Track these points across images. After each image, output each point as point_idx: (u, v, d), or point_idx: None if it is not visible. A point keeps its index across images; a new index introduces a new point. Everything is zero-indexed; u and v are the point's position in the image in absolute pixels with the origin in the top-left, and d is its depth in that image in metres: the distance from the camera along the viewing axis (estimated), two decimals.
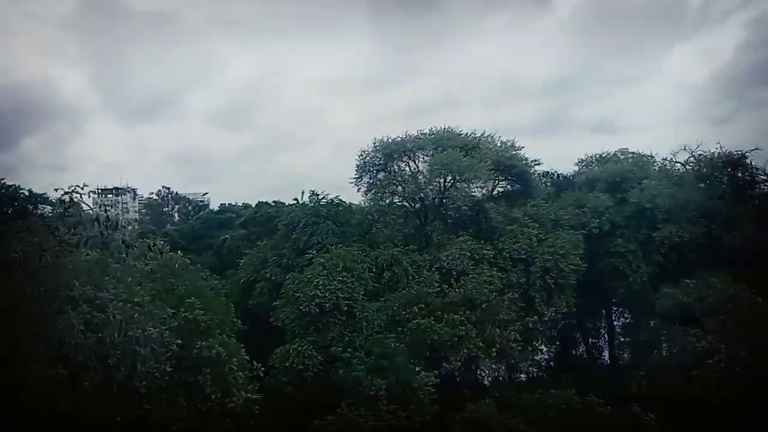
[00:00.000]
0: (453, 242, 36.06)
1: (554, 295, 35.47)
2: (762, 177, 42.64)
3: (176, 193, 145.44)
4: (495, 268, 34.86)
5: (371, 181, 40.43)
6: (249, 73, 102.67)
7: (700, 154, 39.23)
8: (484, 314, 30.36)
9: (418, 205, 39.14)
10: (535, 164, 42.32)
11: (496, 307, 30.75)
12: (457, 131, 42.32)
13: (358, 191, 41.12)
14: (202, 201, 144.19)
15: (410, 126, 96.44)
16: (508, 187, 43.40)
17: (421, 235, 38.01)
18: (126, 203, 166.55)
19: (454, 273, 34.23)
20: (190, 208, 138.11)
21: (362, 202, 40.50)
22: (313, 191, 42.02)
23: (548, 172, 47.58)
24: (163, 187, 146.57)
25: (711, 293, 28.54)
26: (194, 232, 70.42)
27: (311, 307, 31.31)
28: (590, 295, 37.84)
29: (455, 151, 40.14)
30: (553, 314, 35.52)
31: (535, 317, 32.01)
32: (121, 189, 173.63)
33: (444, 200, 38.24)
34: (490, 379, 31.56)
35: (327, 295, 31.19)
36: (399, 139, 40.78)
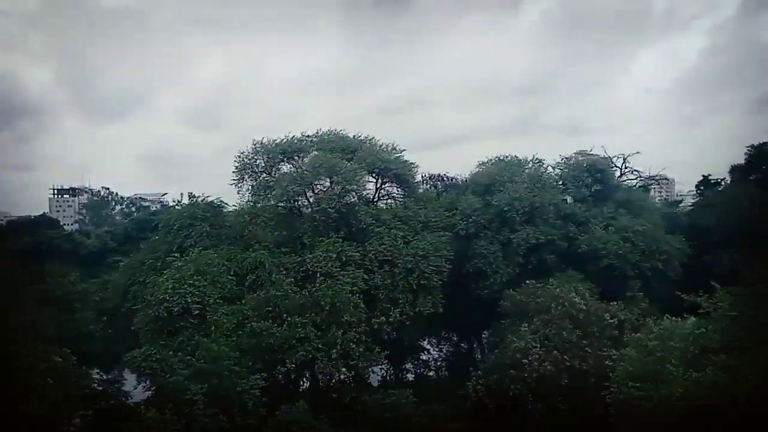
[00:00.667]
0: (322, 244, 36.48)
1: (420, 296, 36.26)
2: (631, 179, 44.76)
3: (116, 193, 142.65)
4: (361, 270, 35.59)
5: (253, 183, 40.80)
6: (222, 72, 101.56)
7: (566, 158, 40.49)
8: (330, 316, 30.74)
9: (292, 207, 39.58)
10: (415, 167, 43.17)
11: (343, 310, 31.11)
12: (342, 134, 43.13)
13: (237, 193, 41.58)
14: (161, 201, 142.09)
15: (384, 126, 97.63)
16: (393, 190, 44.10)
17: (294, 237, 38.30)
18: (72, 205, 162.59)
19: (319, 275, 34.76)
20: (133, 209, 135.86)
21: (239, 204, 40.75)
22: (191, 193, 42.02)
23: (436, 175, 48.65)
24: (102, 187, 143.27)
25: (543, 294, 29.53)
26: (126, 233, 69.97)
27: (160, 311, 31.36)
28: (458, 296, 38.72)
29: (335, 153, 40.84)
30: (414, 314, 36.02)
31: (383, 318, 32.50)
32: (78, 189, 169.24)
33: (318, 202, 38.64)
34: (336, 381, 31.94)
35: (176, 299, 31.26)
36: (280, 141, 41.29)
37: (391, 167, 41.14)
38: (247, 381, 26.24)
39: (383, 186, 42.92)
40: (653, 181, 49.97)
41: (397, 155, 42.27)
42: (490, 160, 43.48)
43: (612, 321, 27.91)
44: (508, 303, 31.35)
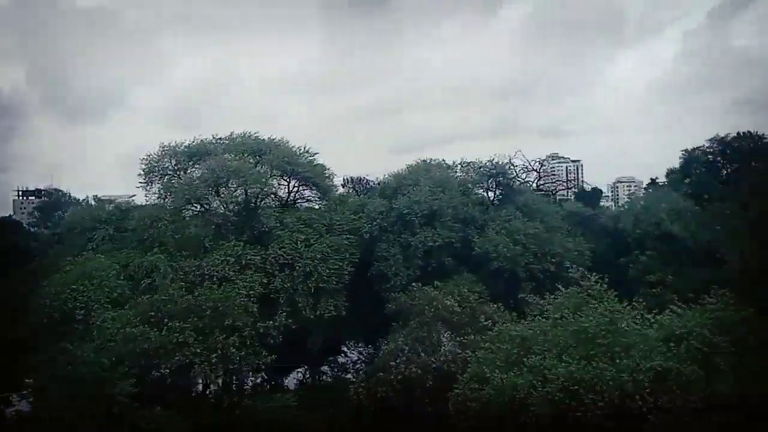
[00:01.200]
0: (222, 248, 36.40)
1: (322, 299, 36.41)
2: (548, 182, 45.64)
3: (69, 194, 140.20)
4: (261, 274, 35.65)
5: (161, 186, 40.53)
6: (200, 72, 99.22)
7: (469, 162, 41.12)
8: (212, 321, 30.68)
9: (196, 210, 39.46)
10: (326, 170, 43.38)
11: (228, 314, 31.07)
12: (255, 136, 43.11)
13: (145, 196, 41.32)
14: (128, 203, 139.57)
15: (365, 127, 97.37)
16: (308, 193, 44.22)
17: (196, 240, 38.11)
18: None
19: (215, 279, 34.70)
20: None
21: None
22: (96, 195, 41.67)
23: (356, 178, 48.94)
24: (55, 189, 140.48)
25: (421, 296, 29.93)
26: (60, 235, 68.87)
27: (43, 317, 31.01)
28: (364, 298, 38.95)
29: (245, 156, 40.82)
30: (315, 318, 36.15)
31: (269, 322, 32.56)
32: (44, 191, 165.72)
33: (221, 205, 38.58)
34: (219, 386, 31.90)
35: (56, 304, 30.93)
36: (189, 143, 41.12)
37: (299, 170, 41.30)
38: (114, 387, 26.04)
39: (297, 189, 43.12)
40: (575, 185, 51.31)
41: (310, 158, 42.56)
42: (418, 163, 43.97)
43: (486, 322, 28.34)
44: (393, 306, 31.66)
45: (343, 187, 48.78)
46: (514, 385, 18.31)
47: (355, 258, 37.81)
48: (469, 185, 39.86)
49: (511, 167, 41.92)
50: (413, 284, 32.67)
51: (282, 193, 42.57)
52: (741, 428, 17.40)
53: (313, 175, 42.03)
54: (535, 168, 51.22)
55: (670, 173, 53.80)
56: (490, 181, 39.66)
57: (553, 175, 51.38)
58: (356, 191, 48.35)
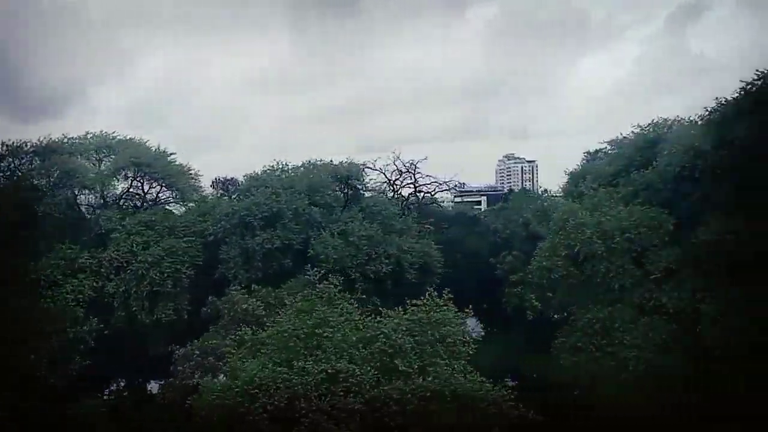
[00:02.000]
0: (57, 251, 35.53)
1: (159, 302, 35.90)
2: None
3: None
4: (94, 277, 34.96)
5: None
6: (163, 70, 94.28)
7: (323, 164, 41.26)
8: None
9: (32, 212, 38.30)
10: (189, 170, 42.76)
11: (41, 320, 30.30)
12: (105, 135, 42.17)
13: None
14: None
15: (332, 127, 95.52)
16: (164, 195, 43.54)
17: (28, 243, 36.99)
18: None
19: (43, 283, 33.85)
20: None
21: None
22: None
23: (223, 179, 48.42)
24: None
25: (227, 300, 29.90)
26: None
27: None
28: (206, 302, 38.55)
29: (91, 155, 39.89)
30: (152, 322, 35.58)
31: (79, 327, 31.92)
32: None
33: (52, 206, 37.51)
34: None
35: None
36: (34, 143, 39.87)
37: (150, 170, 40.56)
38: None
39: (148, 190, 42.37)
40: (446, 187, 52.13)
41: (169, 158, 41.95)
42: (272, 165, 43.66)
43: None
44: (208, 310, 31.51)
45: (213, 187, 48.38)
46: (213, 387, 18.62)
47: (198, 261, 37.53)
48: (321, 187, 39.81)
49: (364, 169, 42.19)
50: (253, 286, 32.60)
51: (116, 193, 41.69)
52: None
53: (166, 175, 41.42)
54: (410, 170, 51.77)
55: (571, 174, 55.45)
56: (333, 183, 39.69)
57: (429, 176, 51.54)
58: (226, 192, 47.84)
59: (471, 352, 20.38)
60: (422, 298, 22.12)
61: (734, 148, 24.39)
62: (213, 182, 49.17)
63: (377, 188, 50.16)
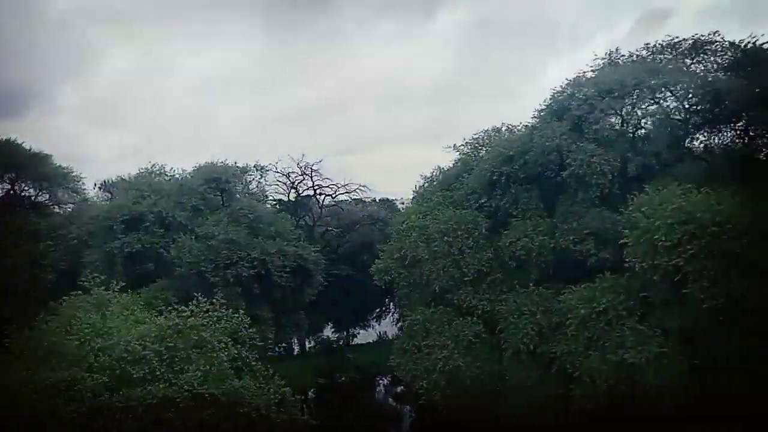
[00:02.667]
0: None
1: None
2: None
3: None
4: None
5: None
6: (129, 68, 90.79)
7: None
8: None
9: None
10: (71, 173, 42.45)
11: None
12: None
13: None
14: None
15: (303, 128, 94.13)
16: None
17: None
18: None
19: None
20: None
21: None
22: None
23: (108, 182, 48.05)
24: None
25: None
26: None
27: None
28: None
29: None
30: None
31: None
32: None
33: None
34: None
35: None
36: None
37: (19, 172, 40.11)
38: None
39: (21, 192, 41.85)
40: (344, 191, 52.52)
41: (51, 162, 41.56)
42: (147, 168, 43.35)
43: None
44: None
45: (101, 190, 47.96)
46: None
47: (62, 265, 37.17)
48: (190, 190, 39.69)
49: (237, 172, 42.22)
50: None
51: None
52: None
53: (40, 178, 40.98)
54: (306, 172, 52.00)
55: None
56: (202, 186, 39.63)
57: (328, 179, 51.87)
58: (112, 194, 47.46)
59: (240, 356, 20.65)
60: (192, 303, 22.20)
61: (536, 154, 25.07)
62: (95, 184, 49.25)
63: (258, 191, 50.76)
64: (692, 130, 23.49)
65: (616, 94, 23.31)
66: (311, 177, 53.05)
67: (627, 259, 20.35)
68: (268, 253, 38.23)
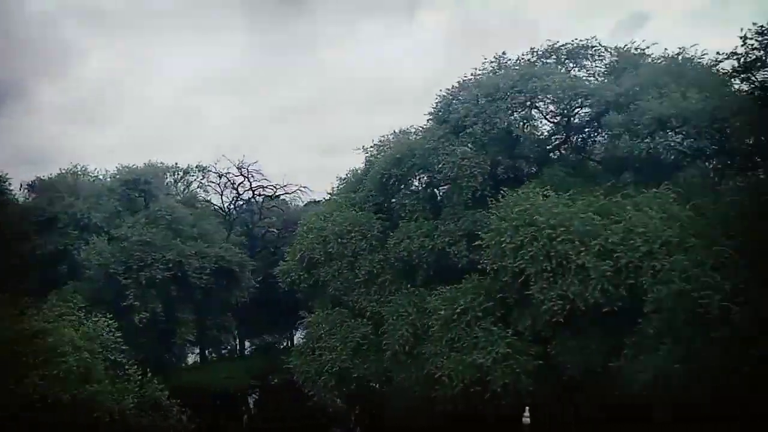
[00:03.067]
0: None
1: None
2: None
3: None
4: None
5: None
6: (112, 67, 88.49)
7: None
8: None
9: None
10: None
11: None
12: None
13: None
14: None
15: (287, 127, 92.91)
16: None
17: None
18: None
19: None
20: None
21: None
22: None
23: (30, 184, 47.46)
24: None
25: None
26: None
27: None
28: None
29: None
30: None
31: None
32: None
33: None
34: None
35: None
36: None
37: None
38: None
39: None
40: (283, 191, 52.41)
41: None
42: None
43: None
44: None
45: (28, 190, 47.32)
46: None
47: None
48: (109, 192, 39.43)
49: (160, 172, 42.04)
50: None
51: None
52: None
53: None
54: (243, 173, 51.85)
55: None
56: (122, 188, 39.41)
57: (266, 179, 51.77)
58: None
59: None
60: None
61: (418, 157, 25.31)
62: (21, 185, 48.49)
63: (198, 192, 50.57)
64: (564, 133, 23.89)
65: (491, 97, 23.58)
66: (248, 178, 53.32)
67: (481, 261, 20.64)
68: (185, 255, 38.08)
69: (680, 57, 23.65)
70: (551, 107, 23.61)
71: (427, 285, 24.46)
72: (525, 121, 22.80)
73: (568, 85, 22.19)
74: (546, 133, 23.82)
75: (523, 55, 26.35)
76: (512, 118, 22.58)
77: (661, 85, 20.68)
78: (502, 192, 21.62)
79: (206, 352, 50.65)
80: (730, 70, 25.40)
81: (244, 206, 54.61)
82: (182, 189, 53.51)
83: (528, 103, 23.14)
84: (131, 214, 39.75)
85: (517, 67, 25.43)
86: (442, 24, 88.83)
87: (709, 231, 16.96)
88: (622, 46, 25.34)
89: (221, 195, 51.56)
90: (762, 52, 25.31)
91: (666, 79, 21.10)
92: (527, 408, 20.79)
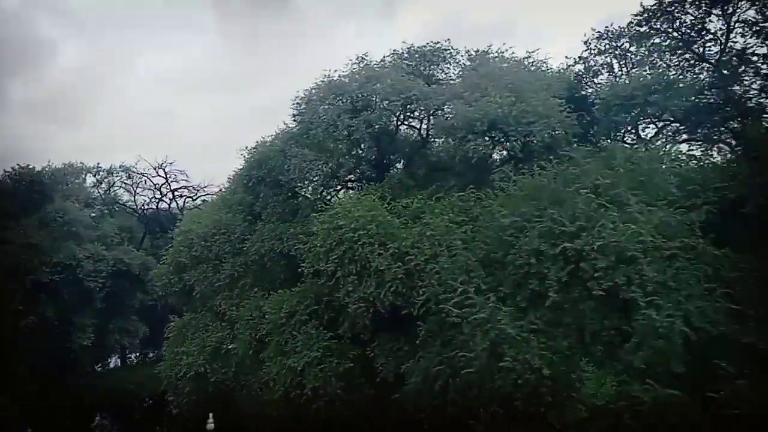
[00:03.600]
0: None
1: None
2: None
3: None
4: None
5: None
6: (85, 64, 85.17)
7: None
8: None
9: None
10: None
11: None
12: None
13: None
14: None
15: (264, 127, 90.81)
16: None
17: None
18: None
19: None
20: None
21: None
22: None
23: None
24: None
25: None
26: None
27: None
28: None
29: None
30: None
31: None
32: None
33: None
34: None
35: None
36: None
37: None
38: None
39: None
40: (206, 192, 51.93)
41: None
42: None
43: None
44: None
45: None
46: None
47: None
48: (3, 192, 38.61)
49: (58, 175, 41.35)
50: None
51: None
52: None
53: None
54: (159, 174, 51.40)
55: None
56: (22, 188, 38.62)
57: (186, 180, 51.38)
58: None
59: None
60: None
61: (272, 159, 25.18)
62: None
63: (106, 194, 49.93)
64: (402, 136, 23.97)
65: (335, 100, 23.48)
66: (167, 179, 52.76)
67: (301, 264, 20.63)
68: (76, 258, 37.46)
69: (527, 60, 23.80)
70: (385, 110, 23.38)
71: (277, 288, 24.31)
72: (366, 124, 22.69)
73: (403, 87, 22.19)
74: (382, 136, 23.74)
75: (386, 56, 26.34)
76: (353, 121, 22.48)
77: (483, 89, 20.71)
78: (333, 196, 21.56)
79: (134, 355, 50.37)
80: (576, 74, 26.17)
81: (168, 208, 54.39)
82: (104, 190, 52.96)
83: (363, 105, 23.03)
84: (24, 216, 39.05)
85: (377, 68, 25.31)
86: (420, 22, 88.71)
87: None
88: (482, 49, 25.41)
89: (136, 196, 51.45)
90: (604, 56, 26.02)
91: (502, 81, 21.11)
92: (210, 414, 20.78)
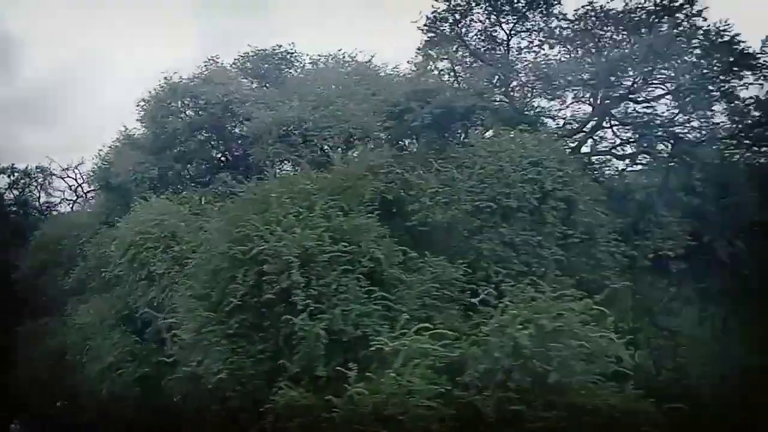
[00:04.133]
0: None
1: None
2: None
3: None
4: None
5: None
6: (59, 62, 79.64)
7: None
8: None
9: None
10: None
11: None
12: None
13: None
14: None
15: None
16: None
17: None
18: None
19: None
20: None
21: None
22: None
23: None
24: None
25: None
26: None
27: None
28: None
29: None
30: None
31: None
32: None
33: None
34: None
35: None
36: None
37: None
38: None
39: None
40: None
41: None
42: None
43: None
44: None
45: None
46: None
47: None
48: None
49: None
50: None
51: None
52: None
53: None
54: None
55: None
56: None
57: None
58: None
59: None
60: None
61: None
62: None
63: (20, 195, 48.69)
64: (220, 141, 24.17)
65: (165, 103, 23.54)
66: (77, 180, 51.69)
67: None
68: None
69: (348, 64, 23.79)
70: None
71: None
72: (194, 129, 22.77)
73: (228, 91, 22.35)
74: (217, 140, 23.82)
75: (236, 58, 26.34)
76: (179, 124, 22.52)
77: (291, 93, 20.91)
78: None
79: None
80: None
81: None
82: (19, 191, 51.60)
83: (187, 111, 23.16)
84: None
85: (218, 72, 25.28)
86: (407, 25, 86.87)
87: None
88: (328, 54, 25.44)
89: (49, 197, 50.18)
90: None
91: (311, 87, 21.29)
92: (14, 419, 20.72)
